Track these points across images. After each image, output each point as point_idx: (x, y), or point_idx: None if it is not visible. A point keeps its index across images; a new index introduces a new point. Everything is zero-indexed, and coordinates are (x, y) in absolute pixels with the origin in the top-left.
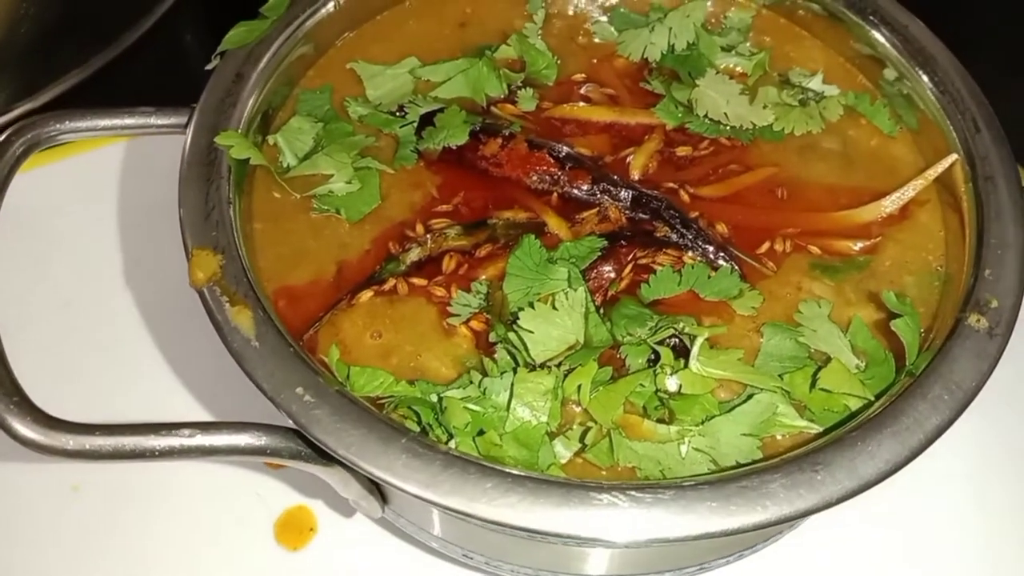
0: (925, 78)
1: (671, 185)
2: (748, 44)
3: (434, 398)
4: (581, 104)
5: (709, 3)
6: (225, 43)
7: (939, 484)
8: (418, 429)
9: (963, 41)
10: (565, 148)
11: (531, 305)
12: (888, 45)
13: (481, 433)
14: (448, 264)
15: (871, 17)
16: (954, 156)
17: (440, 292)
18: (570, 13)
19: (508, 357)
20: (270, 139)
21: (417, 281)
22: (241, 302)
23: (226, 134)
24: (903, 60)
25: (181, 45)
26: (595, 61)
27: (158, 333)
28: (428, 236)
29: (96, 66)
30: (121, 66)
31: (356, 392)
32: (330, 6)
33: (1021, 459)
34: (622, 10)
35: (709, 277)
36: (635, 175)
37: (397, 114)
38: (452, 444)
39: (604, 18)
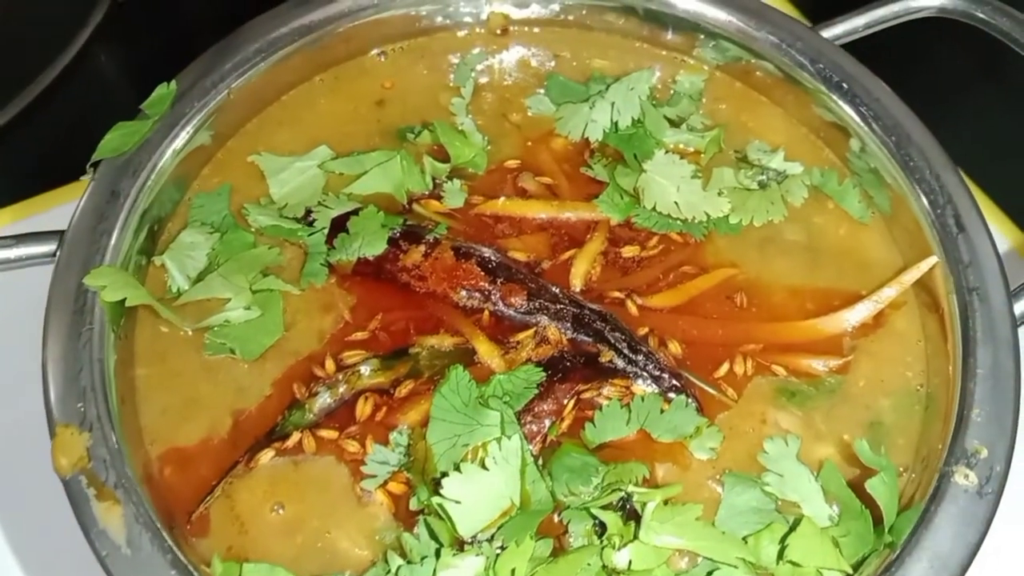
0: (895, 158)
1: (617, 295)
2: (701, 115)
3: None
4: (515, 198)
5: (657, 70)
6: (99, 151)
7: None
8: None
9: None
10: (496, 256)
11: (457, 468)
12: (854, 115)
13: None
14: (363, 409)
15: (832, 80)
16: (933, 259)
17: (353, 447)
18: (502, 83)
19: (430, 535)
20: (156, 260)
21: (326, 434)
22: (111, 496)
23: (98, 272)
24: (871, 136)
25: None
26: (530, 144)
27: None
28: (339, 376)
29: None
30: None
31: None
32: (224, 94)
33: None
34: (560, 77)
35: (662, 412)
36: (576, 285)
37: (303, 222)
38: None
39: (540, 91)
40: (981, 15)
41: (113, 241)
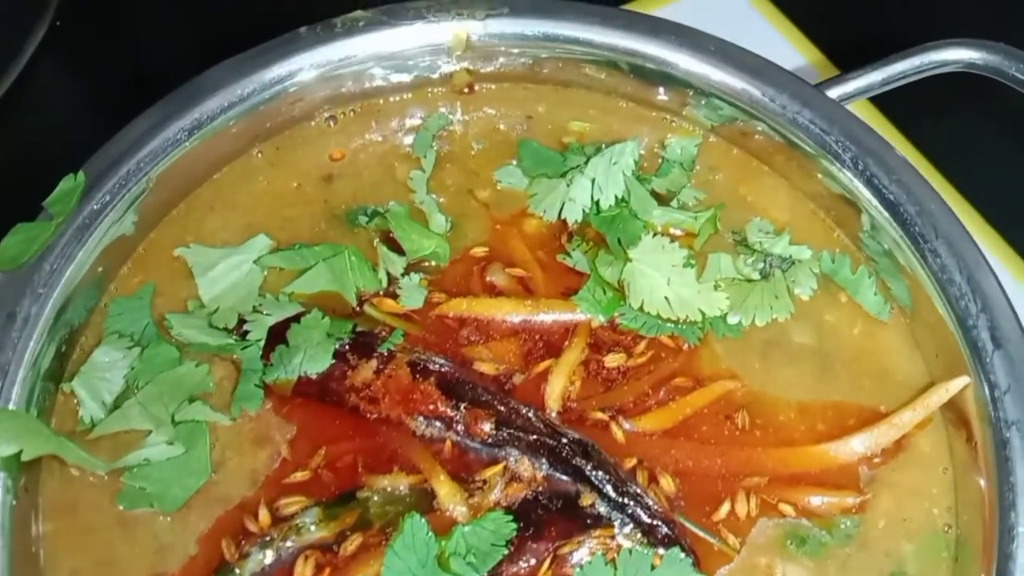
0: (917, 252)
1: (600, 416)
2: (693, 187)
3: None
4: (482, 296)
5: (643, 136)
6: None
7: None
8: None
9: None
10: (460, 373)
11: None
12: (864, 190)
13: None
14: (303, 571)
15: (838, 148)
16: (964, 380)
17: None
18: (467, 153)
19: None
20: (65, 387)
21: None
22: None
23: None
24: (885, 218)
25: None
26: (499, 227)
27: None
28: (275, 531)
29: None
30: None
31: None
32: (143, 183)
33: None
34: (533, 144)
35: (653, 568)
36: (553, 407)
37: (236, 332)
38: None
39: (512, 162)
40: (1016, 73)
41: (9, 375)
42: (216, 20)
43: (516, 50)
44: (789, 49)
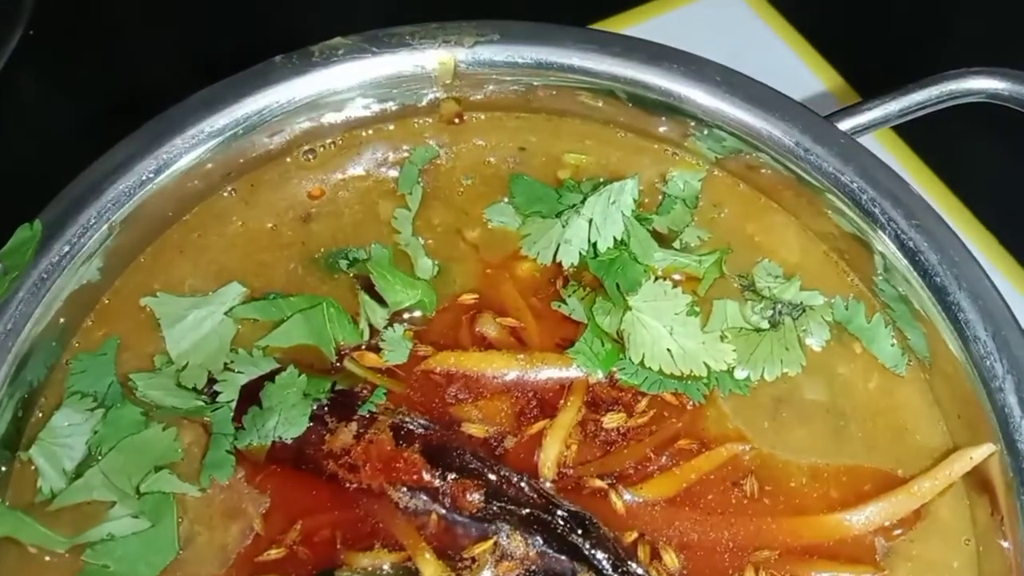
0: (936, 298)
1: (598, 484)
2: (696, 225)
3: None
4: (472, 350)
5: (644, 169)
6: None
7: None
8: None
9: None
10: (446, 436)
11: None
12: (881, 234)
13: None
14: None
15: (852, 186)
16: (989, 448)
17: None
18: (456, 190)
19: None
20: (23, 455)
21: None
22: None
23: None
24: (906, 268)
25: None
26: (490, 271)
27: None
28: None
29: None
30: None
31: None
32: (104, 229)
33: None
34: (525, 178)
35: None
36: (547, 475)
37: (206, 392)
38: None
39: (503, 199)
40: None
41: None
42: (194, 31)
43: (508, 78)
44: (807, 72)
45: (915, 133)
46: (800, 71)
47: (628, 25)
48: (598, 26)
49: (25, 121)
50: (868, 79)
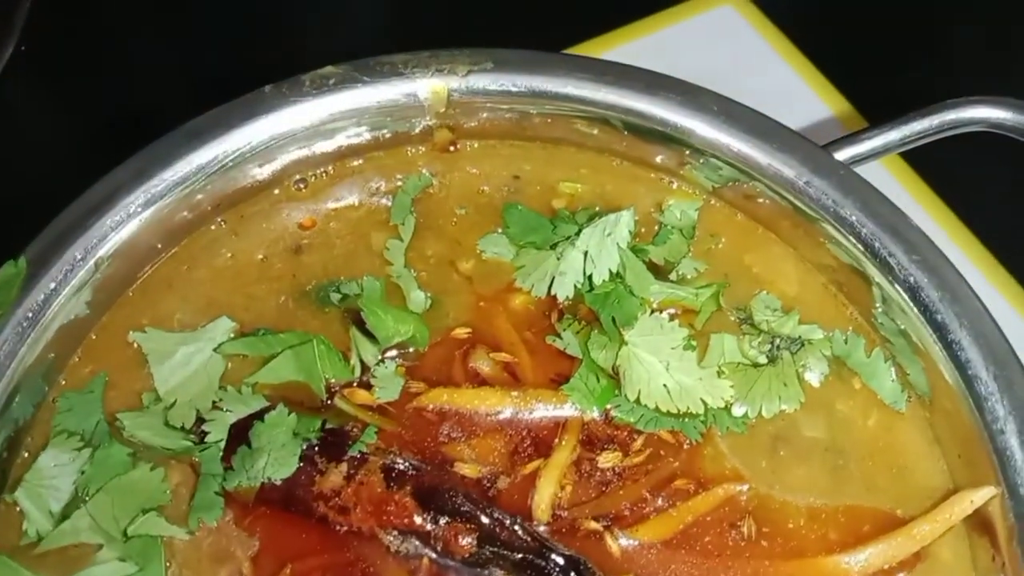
0: (936, 335)
1: (593, 526)
2: (692, 257)
3: None
4: (465, 387)
5: (640, 198)
6: None
7: None
8: None
9: None
10: (438, 477)
11: None
12: (881, 269)
13: None
14: None
15: (851, 219)
16: (990, 491)
17: None
18: (449, 220)
19: None
20: (8, 497)
21: None
22: None
23: None
24: (908, 306)
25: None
26: (483, 304)
27: None
28: None
29: None
30: None
31: None
32: (90, 265)
33: None
34: (519, 208)
35: None
36: (542, 517)
37: (195, 431)
38: None
39: (497, 230)
40: None
41: None
42: (184, 48)
43: (502, 106)
44: (812, 96)
45: (920, 157)
46: (795, 84)
47: (626, 41)
48: (598, 41)
49: (17, 135)
50: (877, 104)
